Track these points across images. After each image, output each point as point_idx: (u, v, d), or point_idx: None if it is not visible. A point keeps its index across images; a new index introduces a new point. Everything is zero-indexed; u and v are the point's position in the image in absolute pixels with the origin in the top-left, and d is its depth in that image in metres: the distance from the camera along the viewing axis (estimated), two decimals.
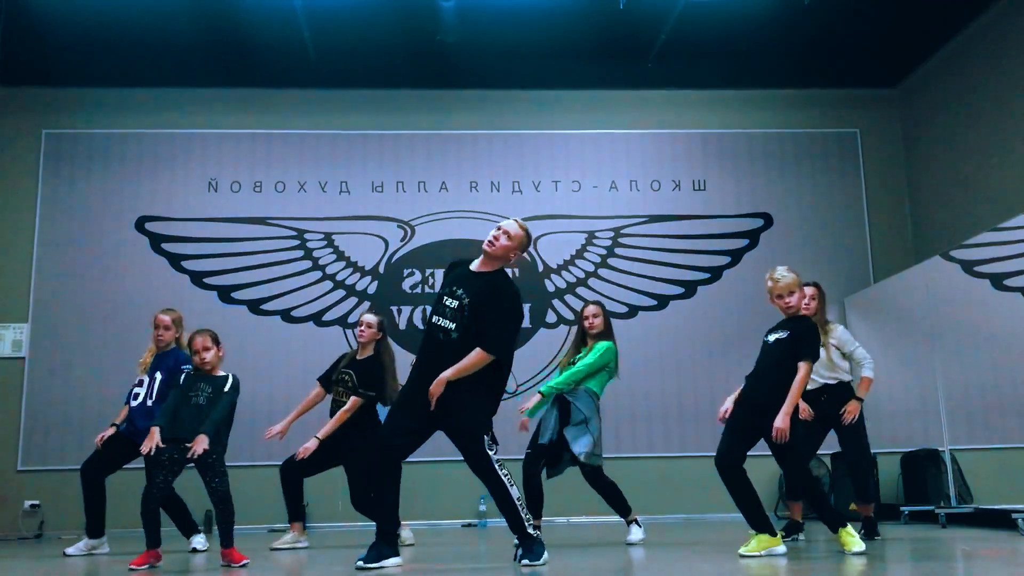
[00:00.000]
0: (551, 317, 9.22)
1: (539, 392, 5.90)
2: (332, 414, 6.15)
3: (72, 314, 8.82)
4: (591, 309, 6.20)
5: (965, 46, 8.78)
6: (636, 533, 5.91)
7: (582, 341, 6.19)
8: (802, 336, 4.84)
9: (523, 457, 5.96)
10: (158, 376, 6.02)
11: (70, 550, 6.02)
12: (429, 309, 4.83)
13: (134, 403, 6.09)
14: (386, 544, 4.46)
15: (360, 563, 4.36)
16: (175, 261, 9.11)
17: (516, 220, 4.74)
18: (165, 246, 9.15)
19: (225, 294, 9.08)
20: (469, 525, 8.51)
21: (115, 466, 6.17)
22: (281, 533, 6.52)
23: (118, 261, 8.99)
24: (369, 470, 4.47)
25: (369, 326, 6.17)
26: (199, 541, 6.18)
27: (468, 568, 4.70)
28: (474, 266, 4.71)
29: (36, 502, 8.43)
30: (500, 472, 4.43)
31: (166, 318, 6.15)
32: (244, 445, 8.63)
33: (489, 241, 4.63)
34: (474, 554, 5.71)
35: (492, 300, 4.52)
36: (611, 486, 5.96)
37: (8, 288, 8.91)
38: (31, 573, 4.95)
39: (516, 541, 4.59)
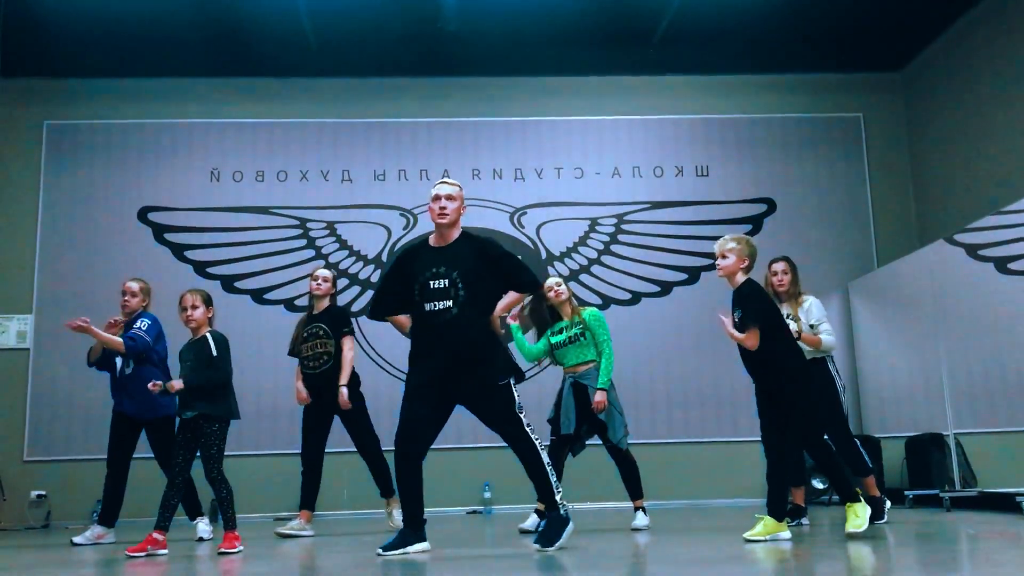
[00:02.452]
0: None
1: (602, 389, 5.83)
2: (311, 375, 6.30)
3: (76, 305, 8.79)
4: (554, 280, 6.18)
5: (969, 29, 8.73)
6: (642, 519, 5.93)
7: (553, 316, 6.10)
8: (745, 306, 4.91)
9: (547, 444, 5.95)
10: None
11: (78, 539, 6.05)
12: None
13: (119, 376, 6.16)
14: (411, 531, 4.48)
15: (381, 550, 4.38)
16: (178, 251, 9.11)
17: (445, 180, 4.78)
18: (168, 236, 9.15)
19: (228, 284, 9.08)
20: (474, 512, 8.54)
21: (129, 447, 6.19)
22: (286, 520, 6.53)
23: (121, 251, 8.99)
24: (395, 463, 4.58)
25: (326, 280, 6.48)
26: (204, 529, 6.21)
27: (475, 554, 4.72)
28: (433, 242, 4.73)
29: (43, 492, 8.46)
30: (533, 438, 4.52)
31: (134, 285, 6.26)
32: (249, 434, 8.68)
33: (440, 214, 4.64)
34: (480, 540, 5.73)
35: (491, 257, 4.62)
36: (635, 465, 6.00)
37: (12, 279, 8.93)
38: (40, 562, 4.97)
39: (524, 525, 4.60)
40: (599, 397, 5.80)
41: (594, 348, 5.94)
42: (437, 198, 4.65)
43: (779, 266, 6.12)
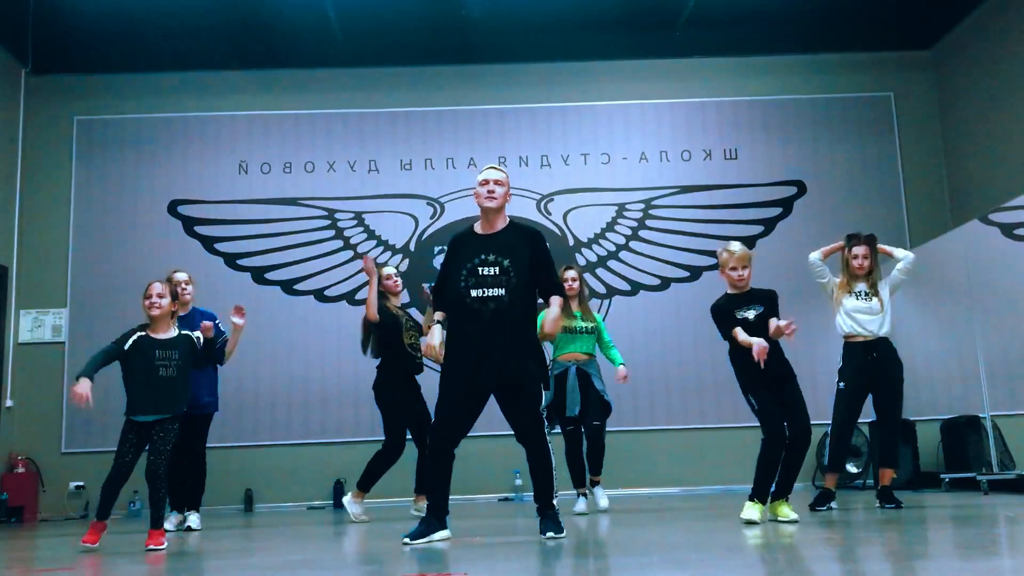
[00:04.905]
0: None
1: (623, 365, 6.43)
2: (413, 366, 6.50)
3: (109, 298, 8.91)
4: (572, 273, 6.47)
5: (1000, 5, 8.56)
6: (581, 504, 6.24)
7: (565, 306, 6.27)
8: (774, 307, 5.25)
9: (561, 433, 6.26)
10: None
11: (192, 525, 6.17)
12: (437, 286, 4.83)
13: None
14: (436, 519, 4.50)
15: (406, 538, 4.41)
16: (208, 243, 9.18)
17: (493, 166, 4.75)
18: (198, 229, 9.22)
19: (259, 275, 9.14)
20: (505, 499, 8.56)
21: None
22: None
23: (152, 245, 9.07)
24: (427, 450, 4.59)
25: (398, 274, 6.72)
26: (194, 520, 6.30)
27: (505, 542, 4.73)
28: (480, 229, 4.69)
29: (81, 483, 8.59)
30: (548, 441, 4.57)
31: (183, 275, 6.32)
32: (282, 424, 8.76)
33: (488, 196, 4.61)
34: (511, 528, 5.74)
35: (537, 249, 4.62)
36: (604, 445, 6.35)
37: (46, 274, 9.04)
38: (58, 551, 5.05)
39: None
40: (624, 371, 6.41)
41: (595, 345, 6.42)
42: (486, 182, 4.62)
43: (861, 249, 6.06)
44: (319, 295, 9.12)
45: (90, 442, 8.66)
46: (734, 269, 5.21)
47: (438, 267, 9.23)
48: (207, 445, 6.53)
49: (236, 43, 9.12)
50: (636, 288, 9.22)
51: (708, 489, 8.60)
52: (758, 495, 5.07)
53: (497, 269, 4.49)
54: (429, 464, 4.55)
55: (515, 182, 9.37)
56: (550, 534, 4.45)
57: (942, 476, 7.43)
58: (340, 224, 9.30)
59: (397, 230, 9.29)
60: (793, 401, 5.18)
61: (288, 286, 9.15)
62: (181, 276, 6.36)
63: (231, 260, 9.16)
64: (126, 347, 5.00)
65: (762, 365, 4.94)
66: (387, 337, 6.42)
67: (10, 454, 8.53)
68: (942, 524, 4.89)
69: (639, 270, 9.28)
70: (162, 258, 9.00)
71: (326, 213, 9.31)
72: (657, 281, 9.26)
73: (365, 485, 6.42)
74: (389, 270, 6.63)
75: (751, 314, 5.19)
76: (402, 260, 9.22)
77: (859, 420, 6.13)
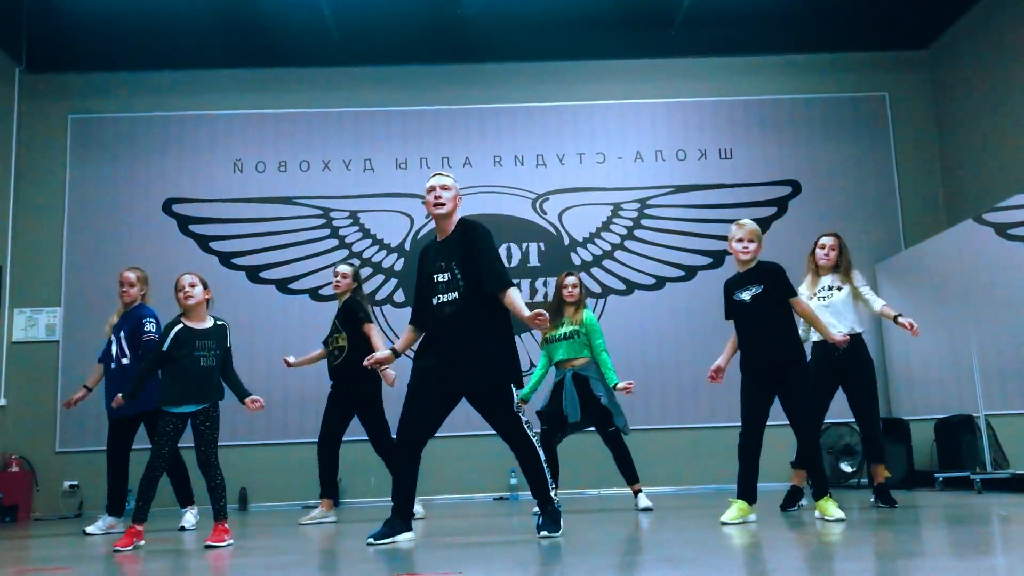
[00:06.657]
0: None
1: (616, 386, 6.12)
2: (330, 367, 6.44)
3: (103, 297, 8.85)
4: (573, 279, 6.38)
5: (996, 5, 8.58)
6: (646, 500, 6.19)
7: (558, 311, 6.29)
8: (779, 281, 5.21)
9: (538, 432, 6.20)
10: (122, 334, 6.09)
11: (90, 529, 6.08)
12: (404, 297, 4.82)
13: (113, 366, 6.14)
14: (399, 520, 4.50)
15: (371, 539, 4.41)
16: (203, 242, 9.17)
17: (439, 173, 4.77)
18: (193, 227, 9.21)
19: (253, 274, 9.13)
20: (501, 498, 8.56)
21: (128, 441, 6.21)
22: (315, 509, 6.58)
23: (147, 243, 9.05)
24: (393, 453, 4.56)
25: (344, 276, 6.50)
26: (188, 520, 6.23)
27: (500, 541, 4.72)
28: (438, 237, 4.75)
29: (75, 482, 8.57)
30: (531, 436, 4.54)
31: (130, 275, 6.27)
32: (277, 423, 8.75)
33: (436, 205, 4.63)
34: (506, 527, 5.74)
35: (470, 246, 4.57)
36: (627, 450, 6.28)
37: (41, 273, 9.02)
38: (53, 551, 5.04)
39: (536, 511, 4.64)
40: (623, 384, 6.08)
41: (588, 348, 6.19)
42: (432, 189, 4.66)
43: (828, 240, 6.12)
44: (314, 294, 9.11)
45: (84, 441, 8.64)
46: (740, 241, 5.21)
47: None
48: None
49: (231, 41, 9.11)
50: (631, 288, 9.22)
51: (703, 488, 8.60)
52: (739, 492, 5.09)
53: (448, 275, 4.54)
54: (395, 466, 4.55)
55: (510, 181, 9.42)
56: (544, 532, 4.45)
57: (936, 475, 7.45)
58: (335, 223, 9.29)
59: (392, 229, 9.28)
60: (789, 393, 5.10)
61: (283, 285, 9.14)
62: (129, 275, 6.31)
63: (226, 259, 9.15)
64: (165, 347, 5.00)
65: None
66: None
67: (4, 453, 8.51)
68: (936, 523, 4.90)
69: (634, 269, 9.29)
70: (157, 257, 8.99)
71: (321, 212, 9.30)
72: (652, 280, 9.27)
73: (327, 493, 6.40)
74: (341, 268, 6.55)
75: (746, 295, 5.21)
76: (398, 259, 9.22)
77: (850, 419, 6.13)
